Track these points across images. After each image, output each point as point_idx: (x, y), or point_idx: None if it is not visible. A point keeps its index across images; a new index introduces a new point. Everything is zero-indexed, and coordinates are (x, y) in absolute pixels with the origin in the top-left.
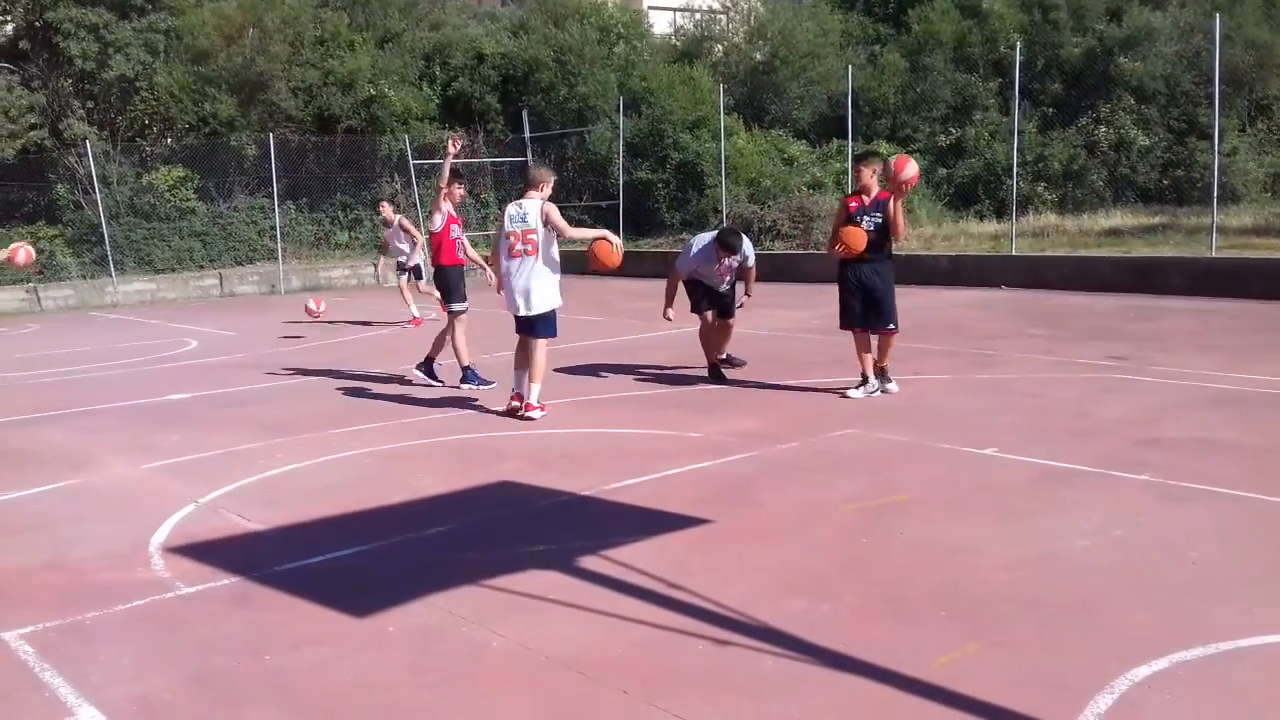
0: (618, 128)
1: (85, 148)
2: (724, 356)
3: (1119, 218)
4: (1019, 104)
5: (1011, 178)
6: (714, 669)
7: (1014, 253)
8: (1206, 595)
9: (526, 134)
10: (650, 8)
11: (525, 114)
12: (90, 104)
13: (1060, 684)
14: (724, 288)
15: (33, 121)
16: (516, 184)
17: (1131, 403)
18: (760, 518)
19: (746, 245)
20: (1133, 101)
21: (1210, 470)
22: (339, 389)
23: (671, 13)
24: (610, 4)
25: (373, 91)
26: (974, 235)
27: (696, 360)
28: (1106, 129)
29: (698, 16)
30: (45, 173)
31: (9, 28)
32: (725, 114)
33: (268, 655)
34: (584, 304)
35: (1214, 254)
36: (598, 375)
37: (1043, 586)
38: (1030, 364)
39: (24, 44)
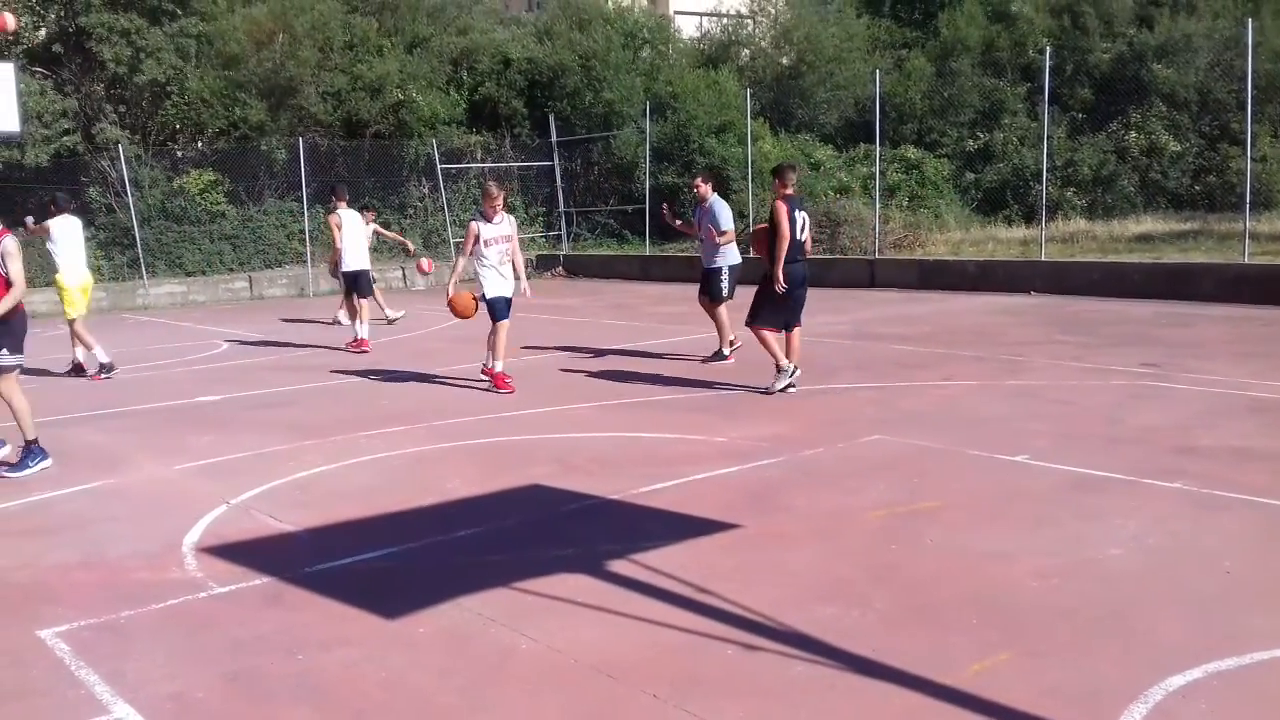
0: (644, 132)
1: (117, 151)
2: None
3: (1150, 223)
4: (1048, 109)
5: (1040, 183)
6: (743, 674)
7: (1043, 258)
8: (1241, 605)
9: (553, 138)
10: (677, 12)
11: (552, 119)
12: (122, 108)
13: (1094, 693)
14: (704, 256)
15: (66, 126)
16: (544, 188)
17: (1165, 410)
18: (789, 523)
19: (719, 208)
20: (1164, 108)
21: (1245, 479)
22: (368, 391)
23: (698, 17)
24: (636, 9)
25: (401, 96)
26: (1002, 240)
27: (721, 368)
28: (1137, 134)
29: (724, 21)
30: (78, 176)
31: (42, 32)
32: (751, 118)
33: (299, 655)
34: (608, 309)
35: (1247, 260)
36: (624, 379)
37: (1076, 594)
38: (1061, 370)
39: (57, 48)
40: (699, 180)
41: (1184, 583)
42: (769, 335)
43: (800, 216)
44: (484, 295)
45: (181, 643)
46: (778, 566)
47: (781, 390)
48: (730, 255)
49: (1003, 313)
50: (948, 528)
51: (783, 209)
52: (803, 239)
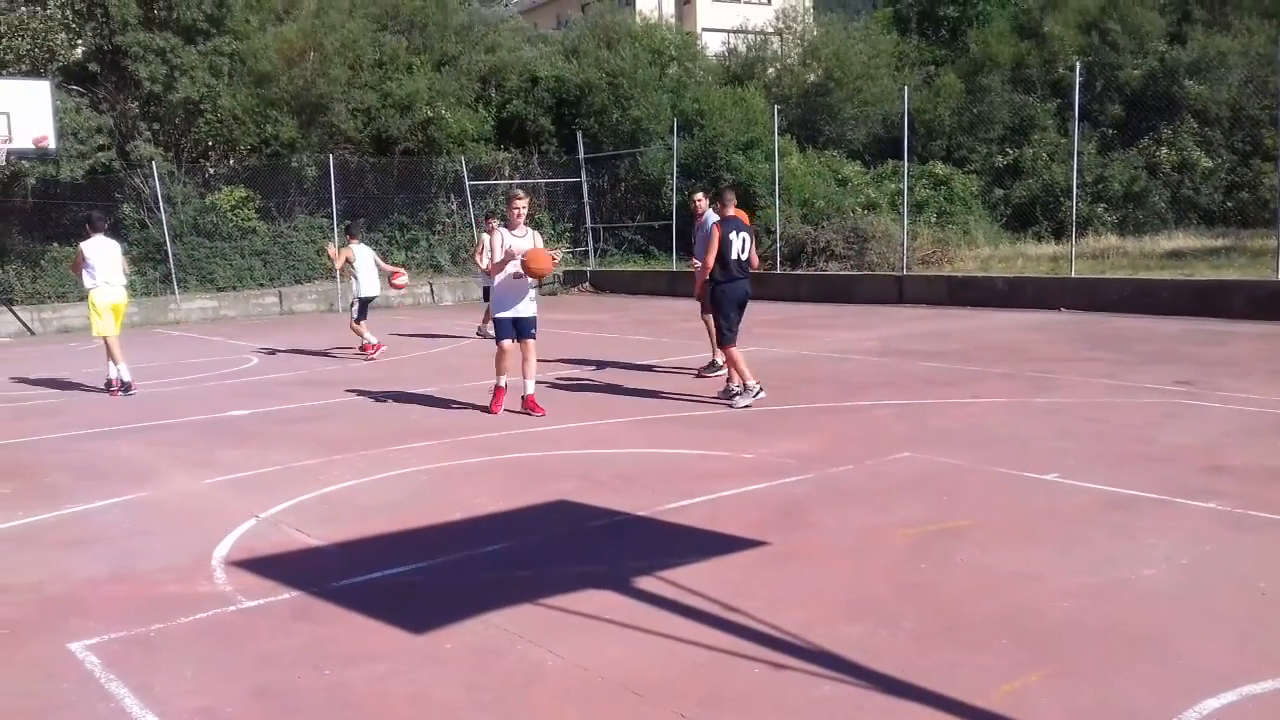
0: (671, 149)
1: (151, 168)
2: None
3: (1181, 240)
4: (1078, 125)
5: (1071, 199)
6: (771, 693)
7: (1073, 275)
8: (1277, 627)
9: (581, 155)
10: (704, 30)
11: (579, 136)
12: (156, 126)
13: (1127, 715)
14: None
15: (101, 143)
16: (572, 204)
17: (1197, 429)
18: (817, 541)
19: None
20: (1195, 124)
21: (1279, 499)
22: (397, 406)
23: (725, 34)
24: (663, 26)
25: (430, 113)
26: (1032, 257)
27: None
28: (1168, 151)
29: (751, 38)
30: (113, 193)
31: (79, 51)
32: (778, 135)
33: (327, 670)
34: (636, 324)
35: (1279, 277)
36: (651, 395)
37: (1108, 615)
38: (1091, 388)
39: (93, 66)
40: (699, 196)
41: (1218, 604)
42: (738, 354)
43: (740, 237)
44: (494, 314)
45: (210, 656)
46: (805, 584)
47: (746, 406)
48: None
49: (1032, 329)
50: (978, 547)
51: (716, 234)
52: (745, 257)
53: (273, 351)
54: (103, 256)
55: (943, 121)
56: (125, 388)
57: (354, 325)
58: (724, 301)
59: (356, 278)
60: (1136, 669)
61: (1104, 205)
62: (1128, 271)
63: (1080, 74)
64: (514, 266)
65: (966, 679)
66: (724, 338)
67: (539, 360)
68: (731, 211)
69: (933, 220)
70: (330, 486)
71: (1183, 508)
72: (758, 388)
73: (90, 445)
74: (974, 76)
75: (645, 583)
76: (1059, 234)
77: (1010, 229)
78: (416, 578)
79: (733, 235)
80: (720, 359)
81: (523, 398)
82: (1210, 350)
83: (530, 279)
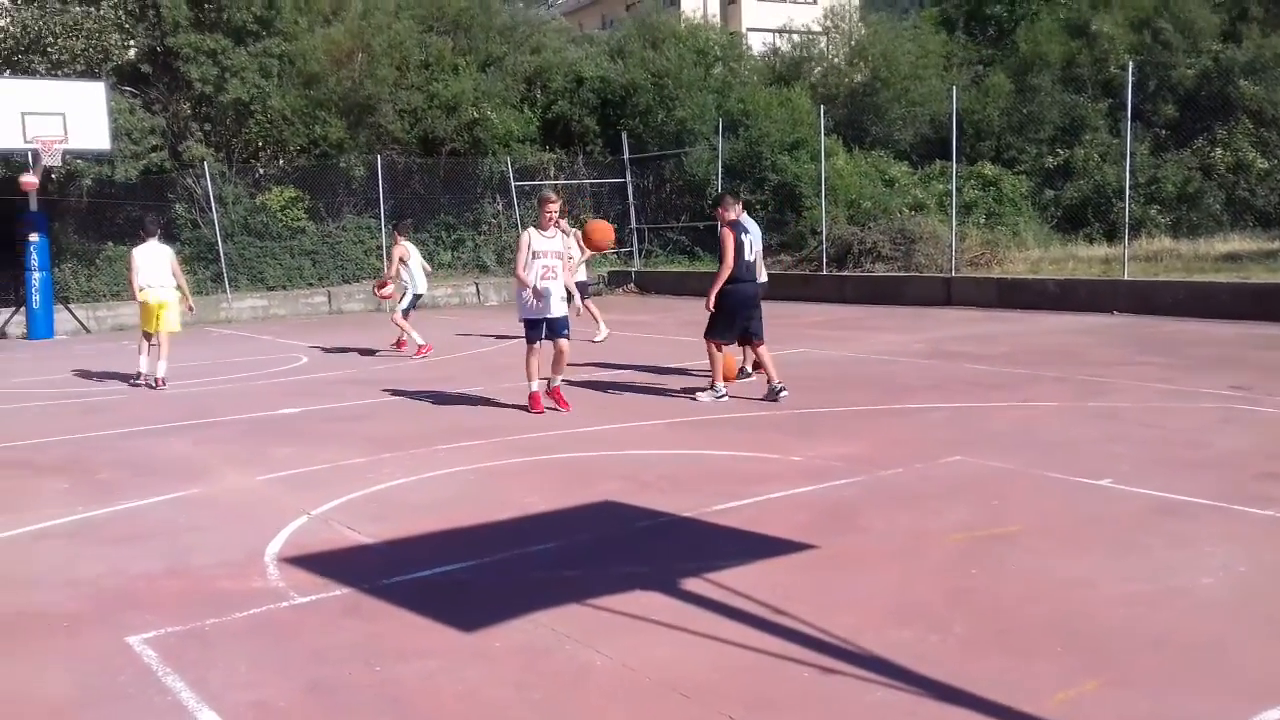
0: (715, 149)
1: (203, 169)
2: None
3: (1237, 242)
4: (1130, 125)
5: (1123, 200)
6: (820, 697)
7: (1126, 277)
8: None
9: (626, 155)
10: (749, 29)
11: (624, 136)
12: (208, 127)
13: None
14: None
15: (154, 143)
16: (616, 205)
17: (1254, 434)
18: (866, 545)
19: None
20: (1251, 125)
21: None
22: (444, 405)
23: (770, 34)
24: (708, 26)
25: (475, 114)
26: (1083, 259)
27: (792, 383)
28: (1223, 151)
29: (796, 38)
30: (165, 193)
31: (132, 52)
32: (825, 135)
33: (378, 666)
34: (680, 325)
35: None
36: (695, 396)
37: (1164, 623)
38: (1145, 392)
39: (146, 68)
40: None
41: (1278, 613)
42: (716, 352)
43: (748, 240)
44: (521, 317)
45: (264, 651)
46: (854, 588)
47: (715, 401)
48: None
49: (1084, 333)
50: (1030, 552)
51: (729, 237)
52: (751, 259)
53: (324, 350)
54: (150, 261)
55: (991, 122)
56: (138, 377)
57: (398, 319)
58: (730, 302)
59: (410, 275)
60: (1193, 678)
61: (1157, 207)
62: (1182, 274)
63: (1132, 73)
64: (534, 273)
65: (1019, 686)
66: (711, 331)
67: (570, 364)
68: (734, 214)
69: (981, 221)
70: (379, 485)
71: (1240, 514)
72: (723, 391)
73: (143, 442)
74: (1023, 76)
75: (692, 584)
76: (1111, 236)
77: (1061, 230)
78: (465, 576)
79: (744, 237)
80: (749, 365)
81: (548, 389)
82: (1267, 355)
83: (594, 252)
